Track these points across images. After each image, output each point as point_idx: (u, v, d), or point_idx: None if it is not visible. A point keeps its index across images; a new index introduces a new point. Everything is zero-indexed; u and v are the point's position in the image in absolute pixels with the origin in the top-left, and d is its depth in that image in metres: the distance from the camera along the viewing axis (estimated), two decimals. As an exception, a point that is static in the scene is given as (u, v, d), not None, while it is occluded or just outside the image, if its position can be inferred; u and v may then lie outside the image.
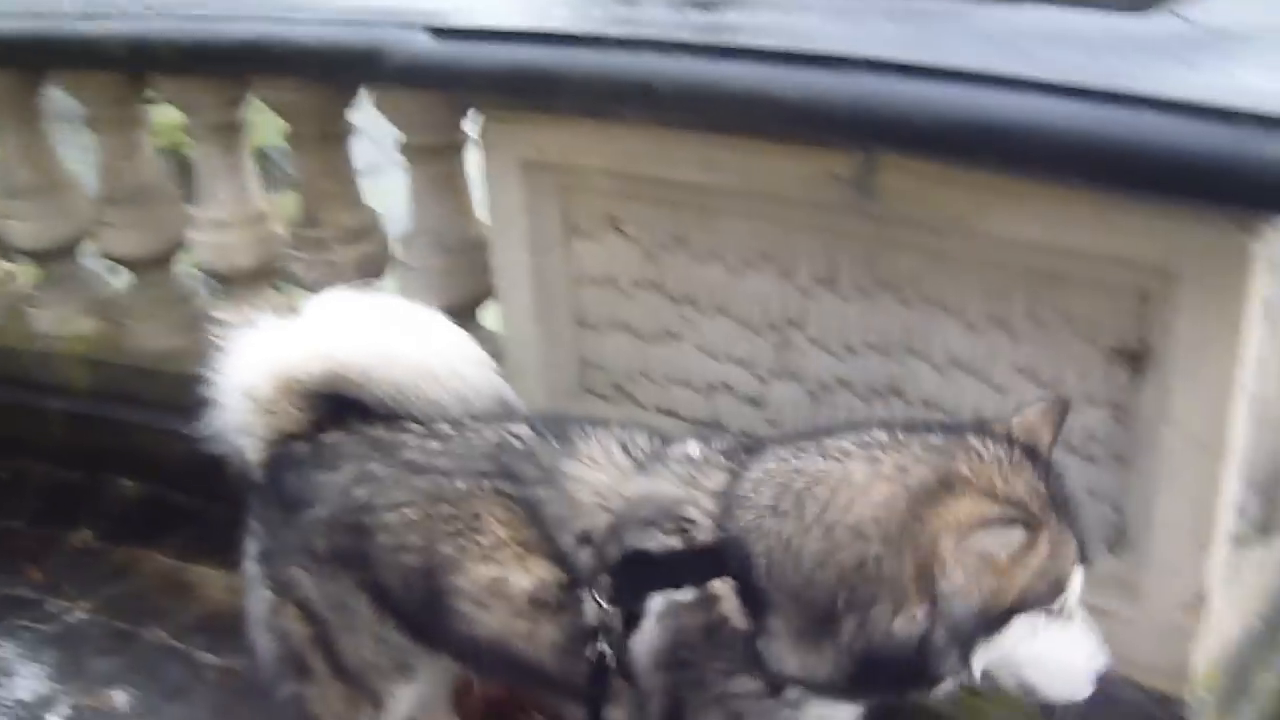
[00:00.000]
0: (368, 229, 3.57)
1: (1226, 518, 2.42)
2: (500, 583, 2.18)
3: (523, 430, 2.29)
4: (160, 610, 3.59)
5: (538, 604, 2.16)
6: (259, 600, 2.47)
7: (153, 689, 3.32)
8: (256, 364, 2.40)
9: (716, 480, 2.07)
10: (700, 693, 2.07)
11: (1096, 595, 2.06)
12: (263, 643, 2.50)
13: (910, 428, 2.00)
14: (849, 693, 2.04)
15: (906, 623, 1.86)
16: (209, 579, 3.68)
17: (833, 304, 2.61)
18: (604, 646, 2.08)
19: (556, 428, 2.28)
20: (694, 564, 2.02)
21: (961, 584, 1.83)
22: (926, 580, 1.84)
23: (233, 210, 3.62)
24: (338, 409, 2.39)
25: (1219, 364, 2.23)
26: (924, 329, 2.52)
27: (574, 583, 2.11)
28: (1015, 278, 2.39)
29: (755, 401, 2.80)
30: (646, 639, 2.06)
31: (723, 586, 1.99)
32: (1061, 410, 2.03)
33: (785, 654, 1.98)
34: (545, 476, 2.18)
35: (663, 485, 2.09)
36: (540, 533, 2.15)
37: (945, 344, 2.51)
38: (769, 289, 2.67)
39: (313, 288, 3.61)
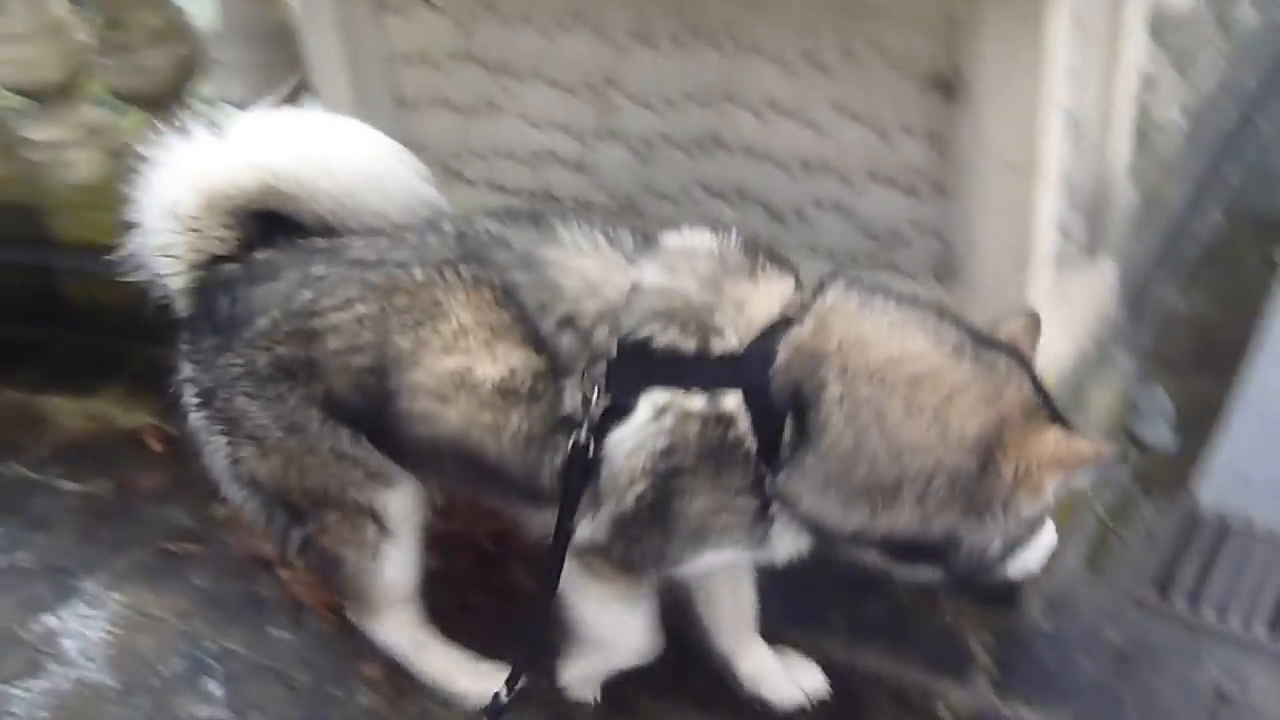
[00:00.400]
0: (175, 28, 3.38)
1: (1047, 240, 2.46)
2: (465, 372, 2.04)
3: (489, 221, 2.15)
4: (17, 444, 3.52)
5: (507, 393, 2.03)
6: (216, 452, 2.31)
7: (16, 521, 3.28)
8: (182, 180, 2.19)
9: (750, 294, 1.97)
10: (680, 503, 1.99)
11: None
12: (240, 498, 2.37)
13: (970, 330, 1.95)
14: (840, 542, 2.03)
15: (972, 531, 1.90)
16: (62, 409, 3.62)
17: (648, 58, 2.53)
18: (583, 438, 1.97)
19: (531, 217, 2.16)
20: (708, 373, 1.92)
21: (1046, 508, 1.92)
22: (1011, 501, 1.87)
23: (29, 19, 3.40)
24: (266, 228, 2.23)
25: (1027, 83, 2.21)
26: (740, 75, 2.46)
27: (552, 370, 2.00)
28: (826, 13, 2.33)
29: (581, 166, 2.74)
30: (634, 437, 1.96)
31: (736, 405, 1.92)
32: (1037, 325, 2.04)
33: (805, 493, 1.94)
34: (521, 261, 2.04)
35: (682, 282, 1.96)
36: (514, 317, 2.02)
37: (762, 88, 2.46)
38: (584, 49, 2.58)
39: (126, 96, 3.46)
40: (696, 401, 1.92)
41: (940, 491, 1.88)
